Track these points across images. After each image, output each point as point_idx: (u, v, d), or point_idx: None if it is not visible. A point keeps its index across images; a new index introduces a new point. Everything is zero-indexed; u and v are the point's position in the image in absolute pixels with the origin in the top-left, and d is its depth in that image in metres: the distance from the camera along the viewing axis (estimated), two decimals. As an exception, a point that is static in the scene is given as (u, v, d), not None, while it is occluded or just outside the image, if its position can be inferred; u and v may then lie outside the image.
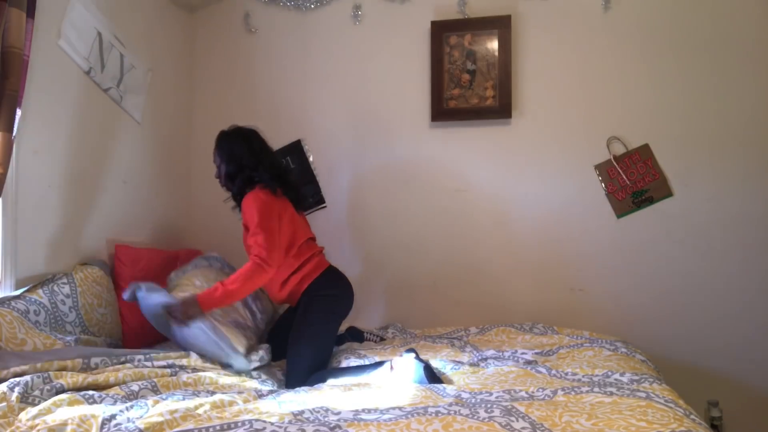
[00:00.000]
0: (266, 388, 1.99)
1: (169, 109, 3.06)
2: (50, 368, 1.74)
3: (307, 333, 2.28)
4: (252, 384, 2.00)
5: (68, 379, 1.70)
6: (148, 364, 1.95)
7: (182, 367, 2.00)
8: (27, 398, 1.57)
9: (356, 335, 2.62)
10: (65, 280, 2.20)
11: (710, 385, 2.66)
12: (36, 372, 1.70)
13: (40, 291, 2.09)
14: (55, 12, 2.26)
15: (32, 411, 1.49)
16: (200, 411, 1.50)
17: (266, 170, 2.36)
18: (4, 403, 1.52)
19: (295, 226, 2.36)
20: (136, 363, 1.94)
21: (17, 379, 1.63)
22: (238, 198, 2.40)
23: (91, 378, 1.74)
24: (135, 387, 1.74)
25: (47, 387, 1.63)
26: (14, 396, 1.55)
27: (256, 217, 2.21)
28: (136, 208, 2.80)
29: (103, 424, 1.42)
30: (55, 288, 2.14)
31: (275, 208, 2.27)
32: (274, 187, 2.31)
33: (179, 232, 3.14)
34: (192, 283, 2.39)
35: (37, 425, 1.43)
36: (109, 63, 2.56)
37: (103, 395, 1.64)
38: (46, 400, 1.57)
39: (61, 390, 1.65)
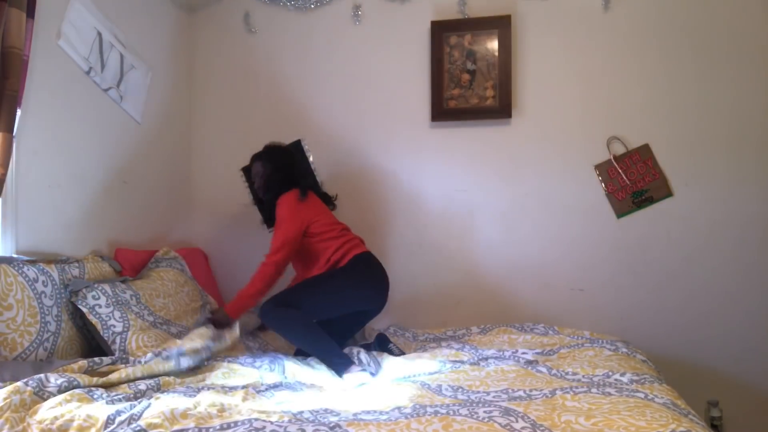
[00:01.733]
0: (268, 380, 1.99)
1: (169, 109, 3.06)
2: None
3: (320, 279, 2.41)
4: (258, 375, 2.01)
5: (84, 378, 1.71)
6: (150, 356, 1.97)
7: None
8: (41, 393, 1.59)
9: (382, 341, 2.48)
10: (77, 264, 2.24)
11: (710, 385, 2.66)
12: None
13: (53, 265, 2.13)
14: (55, 12, 2.26)
15: (42, 406, 1.53)
16: (200, 409, 1.50)
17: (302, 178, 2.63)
18: (17, 396, 1.54)
19: (328, 215, 2.58)
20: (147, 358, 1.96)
21: None
22: (272, 202, 2.54)
23: (103, 378, 1.76)
24: (143, 386, 1.76)
25: (63, 381, 1.64)
26: (28, 389, 1.57)
27: (285, 213, 2.44)
28: (136, 209, 2.79)
29: (107, 421, 1.45)
30: (66, 268, 2.18)
31: (302, 207, 2.47)
32: (305, 190, 2.52)
33: (179, 232, 3.14)
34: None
35: (45, 419, 1.47)
36: (109, 63, 2.57)
37: (111, 394, 1.66)
38: (61, 393, 1.59)
39: (77, 386, 1.66)
